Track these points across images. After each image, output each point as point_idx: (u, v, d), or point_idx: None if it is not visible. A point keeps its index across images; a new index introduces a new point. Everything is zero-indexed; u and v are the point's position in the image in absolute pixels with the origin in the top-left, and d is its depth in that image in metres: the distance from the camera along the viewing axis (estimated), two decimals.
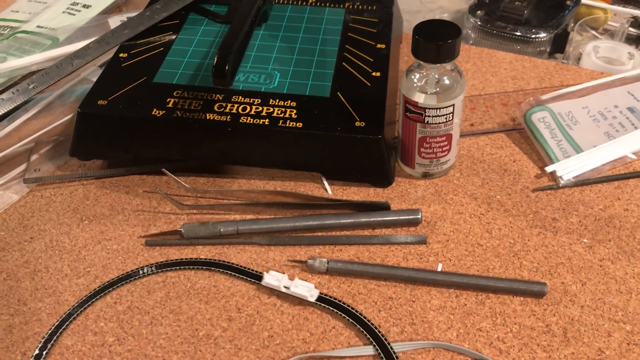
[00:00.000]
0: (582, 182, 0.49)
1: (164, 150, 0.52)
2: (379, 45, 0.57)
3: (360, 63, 0.55)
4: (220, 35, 0.58)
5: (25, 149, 0.56)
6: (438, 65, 0.45)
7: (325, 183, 0.51)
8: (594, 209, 0.48)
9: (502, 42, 0.67)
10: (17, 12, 0.72)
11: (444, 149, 0.49)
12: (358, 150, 0.49)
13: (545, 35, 0.66)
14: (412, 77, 0.47)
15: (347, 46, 0.57)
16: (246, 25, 0.51)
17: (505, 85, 0.60)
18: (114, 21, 0.68)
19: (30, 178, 0.53)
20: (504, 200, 0.49)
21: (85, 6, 0.71)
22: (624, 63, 0.63)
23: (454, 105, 0.46)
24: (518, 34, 0.66)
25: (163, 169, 0.50)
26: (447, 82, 0.46)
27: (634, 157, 0.51)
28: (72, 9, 0.71)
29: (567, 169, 0.50)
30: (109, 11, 0.71)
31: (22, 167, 0.54)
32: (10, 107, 0.54)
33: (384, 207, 0.48)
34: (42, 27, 0.68)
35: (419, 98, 0.46)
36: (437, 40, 0.44)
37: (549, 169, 0.50)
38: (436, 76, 0.46)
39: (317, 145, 0.50)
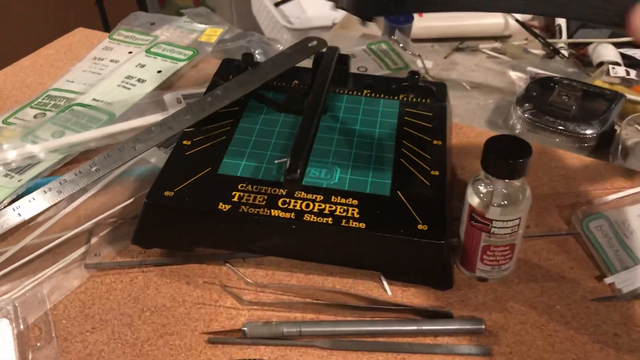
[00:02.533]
0: None
1: (227, 242, 0.52)
2: (435, 142, 0.58)
3: (418, 160, 0.56)
4: (281, 125, 0.59)
5: (84, 230, 0.56)
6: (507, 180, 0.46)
7: (385, 283, 0.52)
8: None
9: (549, 136, 0.69)
10: (73, 82, 0.74)
11: (507, 257, 0.49)
12: (420, 254, 0.50)
13: (592, 131, 0.67)
14: (479, 187, 0.48)
15: (404, 141, 0.58)
16: (314, 127, 0.53)
17: (557, 184, 0.61)
18: (170, 98, 0.69)
19: (91, 264, 0.53)
20: (564, 311, 0.49)
21: (140, 80, 0.73)
22: None
23: (520, 218, 0.47)
24: (566, 129, 0.67)
25: (227, 264, 0.51)
26: (513, 196, 0.47)
27: None
28: (127, 83, 0.72)
29: (626, 281, 0.50)
30: (164, 87, 0.72)
31: (81, 249, 0.55)
32: (74, 190, 0.55)
33: (446, 315, 0.48)
34: (98, 101, 0.70)
35: (487, 210, 0.47)
36: (508, 158, 0.45)
37: (608, 280, 0.51)
38: (504, 190, 0.47)
39: (378, 246, 0.50)
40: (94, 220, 0.56)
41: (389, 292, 0.51)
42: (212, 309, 0.50)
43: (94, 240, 0.55)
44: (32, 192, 0.57)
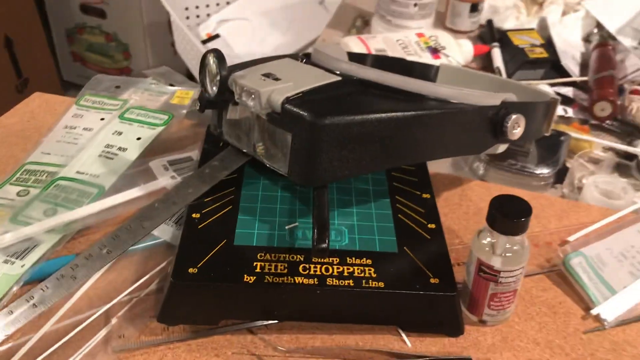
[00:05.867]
0: (623, 322, 0.57)
1: (253, 312, 0.55)
2: (424, 195, 0.64)
3: (413, 214, 0.61)
4: (282, 189, 0.62)
5: (100, 312, 0.56)
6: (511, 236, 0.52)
7: (404, 335, 0.56)
8: (637, 348, 0.55)
9: (511, 177, 0.76)
10: (49, 154, 0.73)
11: (510, 301, 0.55)
12: (434, 306, 0.55)
13: (549, 171, 0.75)
14: (484, 240, 0.53)
15: (397, 197, 0.63)
16: (327, 192, 0.56)
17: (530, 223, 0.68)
18: (156, 165, 0.70)
19: (118, 346, 0.53)
20: (562, 345, 0.56)
21: (121, 149, 0.73)
22: (620, 197, 0.73)
23: (523, 267, 0.53)
24: (525, 170, 0.75)
25: (258, 334, 0.53)
26: (516, 248, 0.53)
27: None
28: (108, 153, 0.72)
29: (608, 311, 0.57)
30: (146, 154, 0.73)
31: (102, 331, 0.55)
32: (90, 275, 0.55)
33: None
34: (82, 173, 0.69)
35: (496, 263, 0.52)
36: (512, 217, 0.51)
37: (593, 312, 0.58)
38: (507, 244, 0.52)
39: (396, 302, 0.54)
40: (114, 301, 0.56)
41: (409, 344, 0.55)
42: None
43: (114, 321, 0.56)
44: (37, 277, 0.57)
